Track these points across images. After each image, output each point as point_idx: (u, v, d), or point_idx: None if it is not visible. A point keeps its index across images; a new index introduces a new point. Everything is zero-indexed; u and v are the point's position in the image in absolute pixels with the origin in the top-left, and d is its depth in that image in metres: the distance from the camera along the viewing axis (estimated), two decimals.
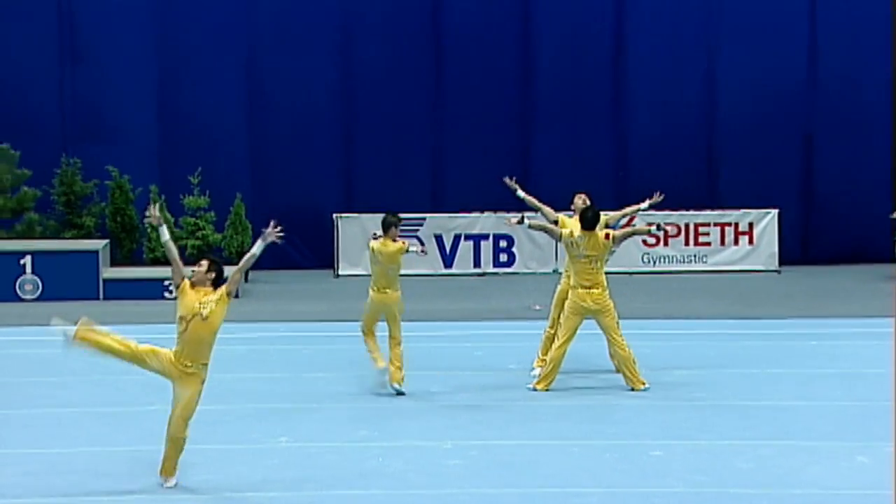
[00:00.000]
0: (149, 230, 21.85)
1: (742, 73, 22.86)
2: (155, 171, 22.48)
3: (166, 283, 20.21)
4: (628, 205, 15.46)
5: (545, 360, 14.10)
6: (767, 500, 10.27)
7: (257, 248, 10.56)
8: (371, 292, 13.87)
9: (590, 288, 13.71)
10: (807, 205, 23.17)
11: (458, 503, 10.27)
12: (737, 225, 22.40)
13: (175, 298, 10.54)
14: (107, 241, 21.26)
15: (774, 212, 22.39)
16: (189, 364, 10.37)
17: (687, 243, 22.34)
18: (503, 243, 22.17)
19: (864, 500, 10.20)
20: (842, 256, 22.74)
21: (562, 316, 13.99)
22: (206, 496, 10.45)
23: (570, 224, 14.15)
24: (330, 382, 14.35)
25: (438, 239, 22.18)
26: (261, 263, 23.08)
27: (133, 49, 22.50)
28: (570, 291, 13.86)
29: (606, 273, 14.01)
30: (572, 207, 14.62)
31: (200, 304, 10.33)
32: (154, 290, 20.04)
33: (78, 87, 22.57)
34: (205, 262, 10.55)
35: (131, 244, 22.07)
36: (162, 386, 14.24)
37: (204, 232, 21.86)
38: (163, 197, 21.97)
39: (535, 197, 15.12)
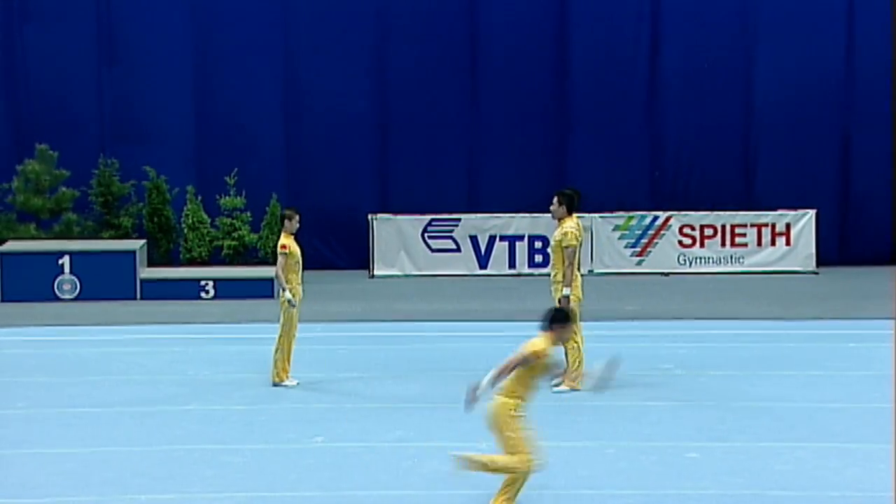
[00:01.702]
0: (185, 230, 21.93)
1: (779, 73, 22.70)
2: (191, 172, 22.57)
3: (202, 282, 20.30)
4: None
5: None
6: (805, 503, 10.21)
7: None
8: None
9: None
10: (845, 205, 22.98)
11: None
12: (774, 226, 22.24)
13: None
14: (144, 241, 21.37)
15: (812, 212, 22.22)
16: None
17: (723, 244, 22.20)
18: (538, 244, 22.10)
19: None
20: (880, 257, 22.53)
21: None
22: (241, 495, 10.47)
23: (567, 228, 14.16)
24: (365, 383, 14.36)
25: (473, 240, 22.15)
26: None
27: (170, 51, 22.60)
28: (575, 286, 13.88)
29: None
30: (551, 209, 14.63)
31: None
32: (191, 290, 20.11)
33: (116, 88, 22.68)
34: None
35: (168, 244, 22.17)
36: (198, 386, 14.34)
37: (240, 232, 21.94)
38: (199, 197, 22.07)
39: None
